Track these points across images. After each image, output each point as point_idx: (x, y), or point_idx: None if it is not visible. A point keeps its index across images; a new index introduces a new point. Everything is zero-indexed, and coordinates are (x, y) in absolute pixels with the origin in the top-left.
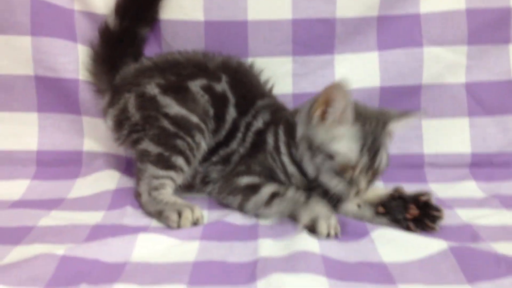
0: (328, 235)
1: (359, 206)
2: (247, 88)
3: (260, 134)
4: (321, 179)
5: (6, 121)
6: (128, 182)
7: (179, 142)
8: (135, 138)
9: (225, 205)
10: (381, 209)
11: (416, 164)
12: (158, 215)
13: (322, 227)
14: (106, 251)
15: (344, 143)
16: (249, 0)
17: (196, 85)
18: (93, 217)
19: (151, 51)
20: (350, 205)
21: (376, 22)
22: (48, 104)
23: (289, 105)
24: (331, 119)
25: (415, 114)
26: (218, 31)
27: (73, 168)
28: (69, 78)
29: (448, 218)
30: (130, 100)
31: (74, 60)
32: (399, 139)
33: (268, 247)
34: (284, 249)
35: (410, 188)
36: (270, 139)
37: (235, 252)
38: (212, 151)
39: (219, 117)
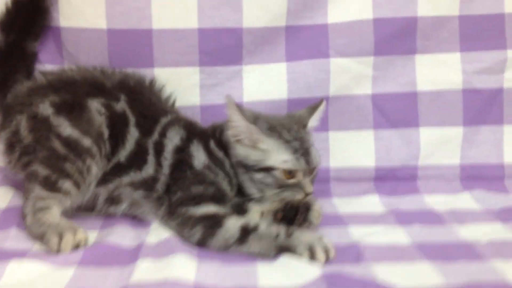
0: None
1: (262, 214)
2: (147, 106)
3: (181, 152)
4: (267, 196)
5: None
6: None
7: (68, 166)
8: (25, 160)
9: (118, 222)
10: (279, 215)
11: (322, 178)
12: (41, 238)
13: (320, 255)
14: None
15: (277, 156)
16: (154, 8)
17: (94, 104)
18: None
19: (51, 60)
20: (255, 215)
21: (284, 32)
22: None
23: (197, 117)
24: (243, 138)
25: (322, 104)
26: (122, 39)
27: None
28: None
29: (340, 236)
30: (22, 122)
31: None
32: None
33: (143, 270)
34: (158, 272)
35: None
36: (200, 154)
37: (109, 279)
38: (115, 172)
39: (118, 138)
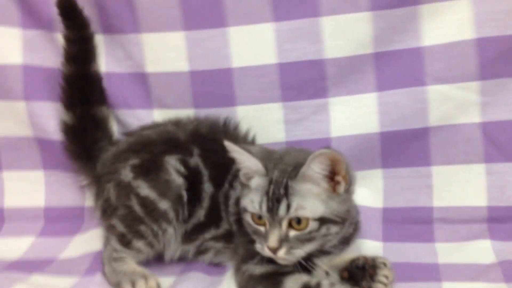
0: None
1: (327, 273)
2: (221, 153)
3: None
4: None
5: (15, 179)
6: None
7: (143, 228)
8: (107, 215)
9: (196, 269)
10: (345, 274)
11: (424, 219)
12: (117, 286)
13: None
14: None
15: (249, 196)
16: (232, 47)
17: (171, 162)
18: (64, 284)
19: (142, 106)
20: (319, 272)
21: (372, 59)
22: (52, 161)
23: None
24: (249, 177)
25: (321, 154)
26: (203, 80)
27: (75, 224)
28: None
29: None
30: (111, 191)
31: None
32: (406, 189)
33: None
34: None
35: (412, 250)
36: None
37: None
38: (197, 230)
39: (195, 198)
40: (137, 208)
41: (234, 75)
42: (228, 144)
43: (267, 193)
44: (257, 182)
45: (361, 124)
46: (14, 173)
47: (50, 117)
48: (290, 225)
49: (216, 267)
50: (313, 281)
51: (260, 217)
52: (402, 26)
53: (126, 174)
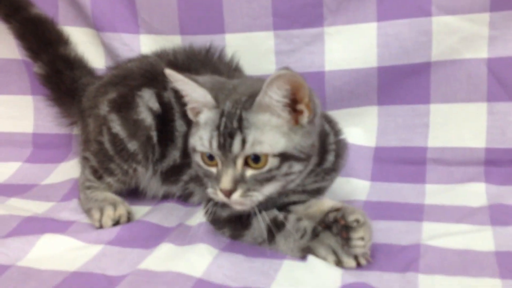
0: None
1: (298, 219)
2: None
3: None
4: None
5: (3, 104)
6: None
7: (113, 166)
8: (83, 147)
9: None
10: (322, 225)
11: (416, 160)
12: (88, 213)
13: (347, 260)
14: (1, 252)
15: (197, 133)
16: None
17: (145, 96)
18: (38, 208)
19: (128, 29)
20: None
21: None
22: (41, 86)
23: None
24: (198, 111)
25: (279, 76)
26: (191, 5)
27: (63, 151)
28: None
29: (405, 234)
30: (91, 125)
31: None
32: (400, 128)
33: (158, 256)
34: (167, 262)
35: (399, 191)
36: None
37: (123, 263)
38: (175, 172)
39: (167, 138)
40: (107, 145)
41: (223, 0)
42: (169, 73)
43: (218, 127)
44: (206, 116)
45: (358, 57)
46: (2, 97)
47: None
48: (246, 164)
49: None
50: (280, 216)
51: (211, 157)
52: None
53: (103, 108)
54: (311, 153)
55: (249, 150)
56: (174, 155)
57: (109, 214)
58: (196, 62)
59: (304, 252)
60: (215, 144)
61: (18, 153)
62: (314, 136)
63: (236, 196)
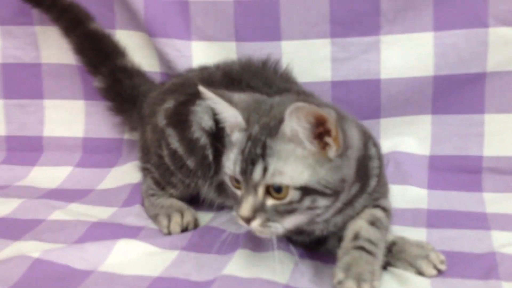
0: None
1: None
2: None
3: None
4: None
5: (55, 108)
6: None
7: (174, 180)
8: (145, 158)
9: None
10: None
11: (472, 168)
12: (154, 219)
13: (428, 269)
14: (80, 257)
15: (227, 153)
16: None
17: (196, 115)
18: (102, 213)
19: (180, 35)
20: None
21: None
22: (93, 91)
23: (327, 94)
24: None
25: (305, 106)
26: (248, 11)
27: (114, 156)
28: None
29: (476, 242)
30: (149, 133)
31: None
32: (455, 136)
33: (239, 261)
34: (251, 268)
35: (458, 198)
36: None
37: (204, 268)
38: None
39: (221, 151)
40: (167, 160)
41: (280, 6)
42: (202, 90)
43: (242, 151)
44: (236, 137)
45: (414, 66)
46: (55, 101)
47: None
48: (268, 192)
49: None
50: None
51: (237, 180)
52: None
53: (161, 119)
54: (339, 188)
55: (269, 179)
56: None
57: (177, 221)
58: (249, 73)
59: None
60: (238, 168)
61: (69, 157)
62: (345, 171)
63: (255, 224)
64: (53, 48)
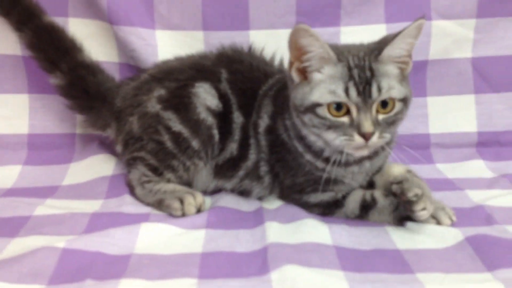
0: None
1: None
2: (248, 78)
3: (272, 132)
4: (324, 141)
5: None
6: (125, 168)
7: (175, 163)
8: (133, 148)
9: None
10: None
11: (422, 145)
12: (158, 204)
13: (445, 220)
14: (108, 242)
15: (323, 87)
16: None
17: (200, 95)
18: (91, 206)
19: (143, 24)
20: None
21: None
22: (38, 84)
23: None
24: (312, 69)
25: (413, 26)
26: (216, 1)
27: (66, 152)
28: None
29: (460, 199)
30: (134, 123)
31: None
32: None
33: (276, 232)
34: (293, 236)
35: (420, 170)
36: (286, 139)
37: (242, 241)
38: (231, 166)
39: (226, 131)
40: (169, 144)
41: None
42: (303, 26)
43: (352, 78)
44: (330, 71)
45: None
46: None
47: None
48: (375, 110)
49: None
50: (367, 195)
51: (338, 108)
52: None
53: (153, 105)
54: (411, 100)
55: (385, 94)
56: (232, 147)
57: (191, 202)
58: (244, 55)
59: (401, 221)
60: (353, 93)
61: (14, 156)
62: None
63: (375, 138)
64: None
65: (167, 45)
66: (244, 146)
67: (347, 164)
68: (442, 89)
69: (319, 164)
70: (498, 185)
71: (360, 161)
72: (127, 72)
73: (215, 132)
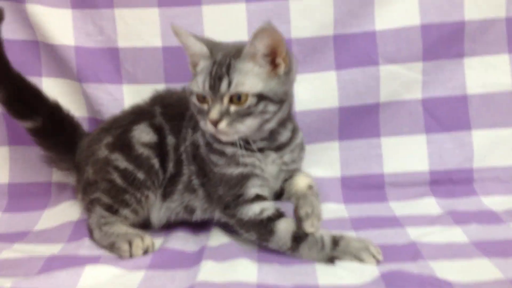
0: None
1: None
2: (177, 106)
3: (194, 145)
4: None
5: None
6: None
7: (128, 197)
8: (89, 191)
9: (180, 229)
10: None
11: (377, 184)
12: (111, 247)
13: (369, 259)
14: (52, 283)
15: (194, 79)
16: (206, 24)
17: (136, 135)
18: (51, 249)
19: (111, 80)
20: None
21: (332, 41)
22: (18, 137)
23: None
24: (195, 62)
25: (260, 31)
26: (176, 56)
27: (42, 199)
28: None
29: (397, 236)
30: (89, 170)
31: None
32: (359, 159)
33: (207, 271)
34: (222, 274)
35: (370, 209)
36: (201, 149)
37: (176, 281)
38: (171, 182)
39: (164, 155)
40: (119, 180)
41: None
42: (175, 28)
43: (210, 73)
44: (202, 65)
45: (322, 99)
46: None
47: None
48: (231, 101)
49: (200, 225)
50: (301, 231)
51: (204, 98)
52: (359, 11)
53: (102, 151)
54: (284, 98)
55: (233, 89)
56: (170, 167)
57: (138, 244)
58: (175, 92)
59: (329, 261)
60: (207, 85)
61: None
62: (287, 86)
63: (222, 125)
64: None
65: (132, 98)
66: (178, 163)
67: (251, 150)
68: (394, 129)
69: (228, 150)
70: (439, 222)
71: (263, 150)
72: (95, 125)
73: (154, 161)
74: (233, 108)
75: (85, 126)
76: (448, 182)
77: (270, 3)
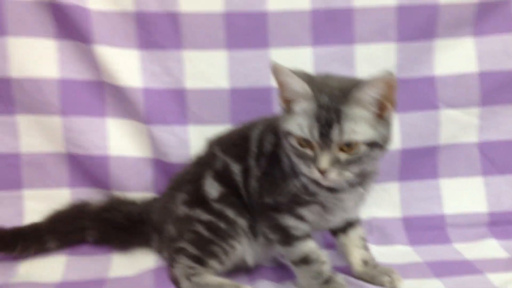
0: None
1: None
2: (239, 141)
3: (273, 153)
4: (295, 167)
5: (40, 199)
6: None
7: (215, 248)
8: (172, 243)
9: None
10: None
11: (439, 225)
12: None
13: None
14: None
15: (294, 120)
16: None
17: (208, 190)
18: None
19: (177, 121)
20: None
21: None
22: (79, 179)
23: None
24: (292, 100)
25: (380, 78)
26: (243, 98)
27: None
28: (98, 154)
29: (482, 284)
30: (170, 228)
31: (103, 136)
32: (419, 200)
33: None
34: None
35: (435, 250)
36: (283, 157)
37: None
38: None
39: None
40: (204, 232)
41: (273, 93)
42: (277, 66)
43: (317, 118)
44: (303, 106)
45: None
46: (36, 191)
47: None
48: (340, 149)
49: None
50: (315, 255)
51: (307, 142)
52: (420, 56)
53: (181, 209)
54: (388, 141)
55: (345, 138)
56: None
57: None
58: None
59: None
60: (315, 132)
61: None
62: (391, 127)
63: (333, 175)
64: (37, 137)
65: (198, 139)
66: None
67: (334, 190)
68: (452, 171)
69: (312, 187)
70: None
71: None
72: (161, 167)
73: (229, 212)
74: (343, 156)
75: (150, 168)
76: (506, 223)
77: (336, 47)
